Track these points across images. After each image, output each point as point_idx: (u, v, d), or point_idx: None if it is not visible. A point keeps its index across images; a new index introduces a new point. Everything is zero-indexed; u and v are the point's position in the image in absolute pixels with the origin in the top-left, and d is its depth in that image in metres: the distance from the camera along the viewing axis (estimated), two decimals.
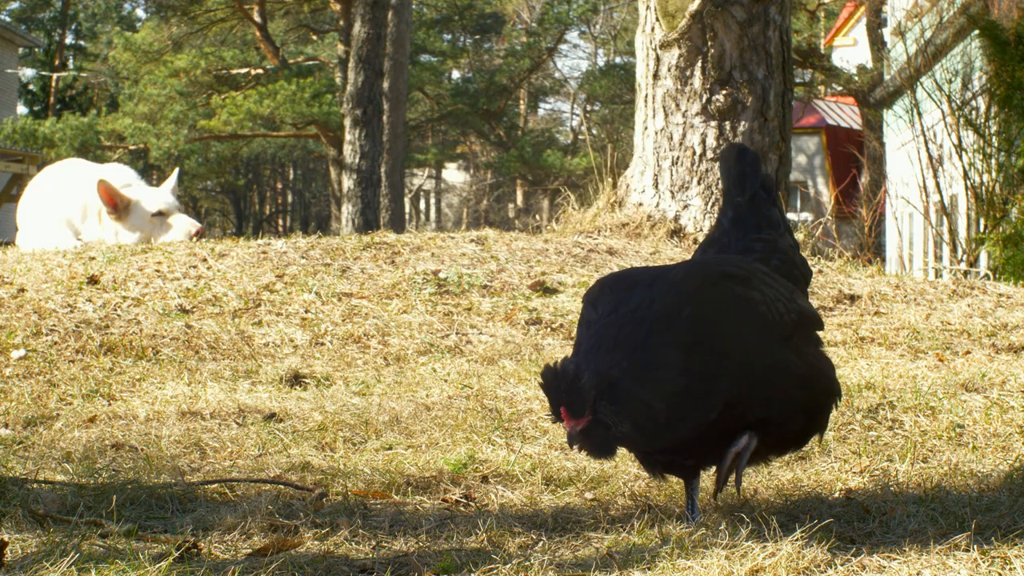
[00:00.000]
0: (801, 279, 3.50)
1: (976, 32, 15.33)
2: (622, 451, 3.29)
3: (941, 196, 17.15)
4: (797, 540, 2.85)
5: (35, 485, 3.58)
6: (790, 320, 3.20)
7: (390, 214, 26.65)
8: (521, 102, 52.55)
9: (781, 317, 3.18)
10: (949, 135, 15.92)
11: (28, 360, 5.45)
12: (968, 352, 5.70)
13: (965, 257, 15.76)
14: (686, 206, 8.26)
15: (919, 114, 17.19)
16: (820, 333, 3.41)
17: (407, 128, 34.98)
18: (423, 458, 4.01)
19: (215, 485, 3.65)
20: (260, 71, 37.90)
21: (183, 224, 8.43)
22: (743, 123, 8.27)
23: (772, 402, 3.14)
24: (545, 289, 6.73)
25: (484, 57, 49.03)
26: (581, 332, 3.16)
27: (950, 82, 16.27)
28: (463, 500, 3.54)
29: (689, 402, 3.03)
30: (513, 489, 3.65)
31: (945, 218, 16.71)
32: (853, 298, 6.84)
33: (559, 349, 5.76)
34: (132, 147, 38.11)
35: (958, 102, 15.98)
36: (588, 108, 54.49)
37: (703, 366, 3.03)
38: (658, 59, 8.44)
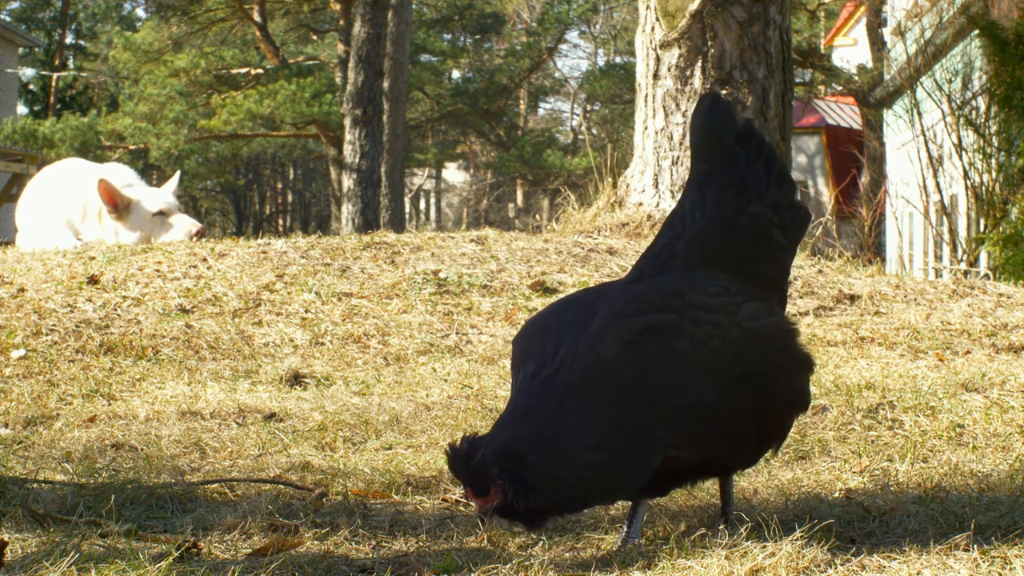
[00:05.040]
0: (778, 246, 3.19)
1: (976, 32, 15.34)
2: None
3: (941, 196, 17.15)
4: (797, 540, 2.84)
5: (35, 485, 3.58)
6: (731, 352, 2.93)
7: (390, 214, 26.65)
8: (521, 102, 52.56)
9: (717, 355, 2.91)
10: (949, 135, 15.92)
11: (28, 360, 5.45)
12: (968, 352, 5.70)
13: (965, 257, 15.77)
14: None
15: (919, 114, 17.19)
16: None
17: (407, 128, 34.98)
18: (423, 458, 4.01)
19: (215, 485, 3.65)
20: (260, 71, 37.91)
21: (184, 224, 8.43)
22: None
23: (718, 441, 2.96)
24: (545, 289, 6.73)
25: (484, 57, 49.06)
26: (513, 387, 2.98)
27: (950, 82, 16.28)
28: (463, 500, 3.54)
29: (613, 477, 2.85)
30: None
31: (945, 218, 16.72)
32: (853, 298, 6.84)
33: None
34: (132, 147, 38.14)
35: (958, 102, 15.98)
36: (588, 108, 54.50)
37: (626, 435, 2.83)
38: (658, 59, 8.44)
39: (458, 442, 2.81)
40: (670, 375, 2.87)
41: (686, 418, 2.88)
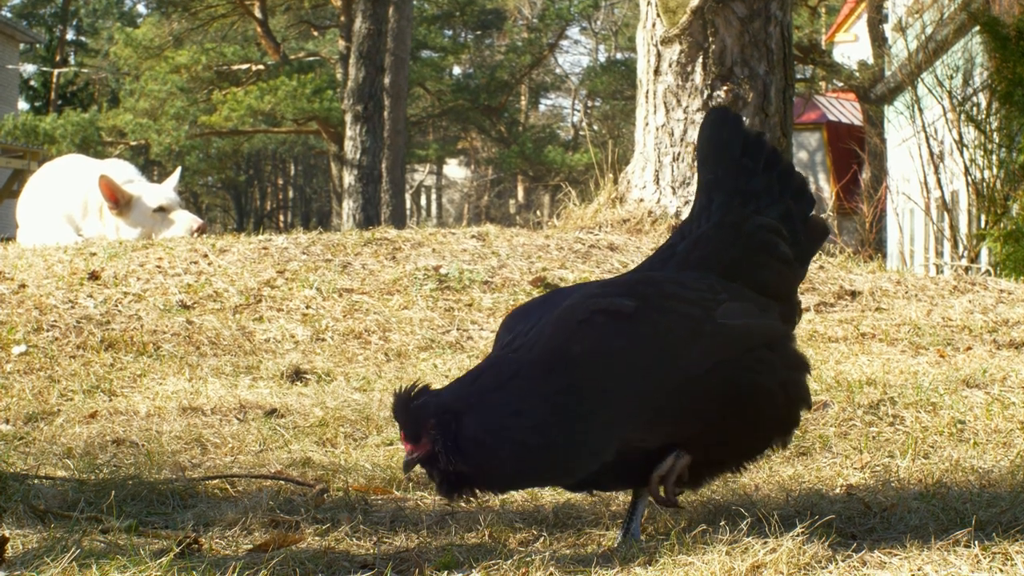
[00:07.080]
0: (782, 257, 3.14)
1: (977, 28, 15.33)
2: None
3: (942, 192, 17.14)
4: (798, 536, 2.84)
5: (36, 481, 3.58)
6: (701, 344, 2.92)
7: (391, 210, 26.65)
8: (522, 98, 52.54)
9: (684, 345, 2.90)
10: (950, 131, 15.92)
11: (29, 356, 5.45)
12: (969, 348, 5.70)
13: (966, 253, 15.77)
14: (687, 202, 8.25)
15: (920, 110, 17.18)
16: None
17: (408, 124, 34.98)
18: None
19: (216, 481, 3.65)
20: (261, 67, 37.93)
21: (184, 220, 8.43)
22: (744, 119, 8.25)
23: (685, 428, 2.93)
24: (546, 285, 6.73)
25: (485, 53, 49.06)
26: None
27: (951, 78, 16.27)
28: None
29: (550, 459, 2.84)
30: None
31: (946, 214, 16.72)
32: (854, 294, 6.84)
33: None
34: (133, 143, 38.16)
35: (959, 98, 15.98)
36: (589, 104, 54.48)
37: (569, 420, 2.82)
38: (659, 55, 8.44)
39: (405, 386, 2.85)
40: (624, 357, 2.87)
41: (645, 402, 2.88)
